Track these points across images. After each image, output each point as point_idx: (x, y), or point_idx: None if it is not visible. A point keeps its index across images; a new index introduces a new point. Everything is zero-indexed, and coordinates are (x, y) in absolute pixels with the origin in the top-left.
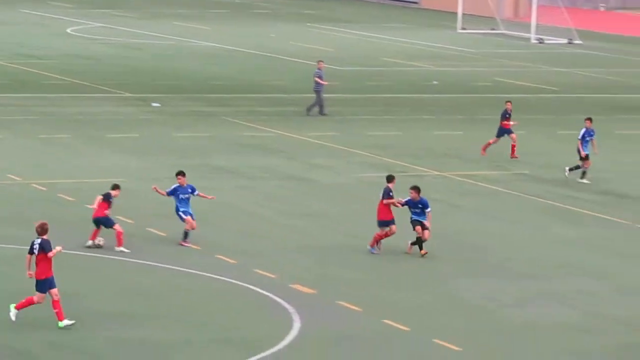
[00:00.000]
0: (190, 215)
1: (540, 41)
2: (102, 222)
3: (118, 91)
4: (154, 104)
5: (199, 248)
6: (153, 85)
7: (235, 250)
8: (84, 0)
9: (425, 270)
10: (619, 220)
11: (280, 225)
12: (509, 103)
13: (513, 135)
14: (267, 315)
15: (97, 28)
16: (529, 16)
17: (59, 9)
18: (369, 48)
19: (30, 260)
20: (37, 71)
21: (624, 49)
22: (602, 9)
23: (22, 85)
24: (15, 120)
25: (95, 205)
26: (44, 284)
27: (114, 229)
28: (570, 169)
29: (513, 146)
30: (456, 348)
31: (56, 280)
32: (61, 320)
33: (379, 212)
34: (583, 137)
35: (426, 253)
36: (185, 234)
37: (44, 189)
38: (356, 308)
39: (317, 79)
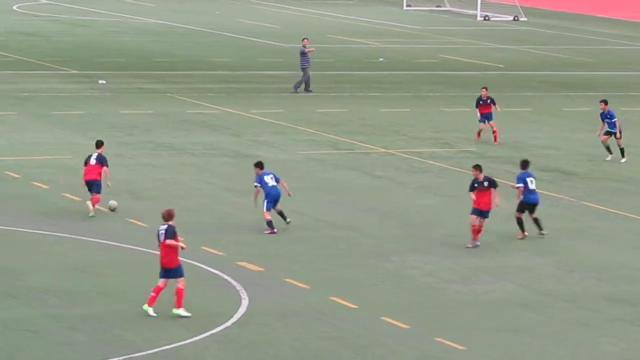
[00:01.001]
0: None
1: (486, 18)
2: (96, 185)
3: (63, 68)
4: (100, 81)
5: (145, 225)
6: (99, 62)
7: (182, 228)
8: None
9: (371, 248)
10: (564, 197)
11: (226, 203)
12: (484, 89)
13: (492, 122)
14: (215, 293)
15: (43, 5)
16: None
17: None
18: (315, 25)
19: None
20: None
21: (569, 25)
22: None
23: None
24: None
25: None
26: (178, 271)
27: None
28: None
29: (494, 132)
30: (403, 325)
31: None
32: (178, 308)
33: (479, 202)
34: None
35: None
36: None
37: None
38: (304, 285)
39: (307, 50)
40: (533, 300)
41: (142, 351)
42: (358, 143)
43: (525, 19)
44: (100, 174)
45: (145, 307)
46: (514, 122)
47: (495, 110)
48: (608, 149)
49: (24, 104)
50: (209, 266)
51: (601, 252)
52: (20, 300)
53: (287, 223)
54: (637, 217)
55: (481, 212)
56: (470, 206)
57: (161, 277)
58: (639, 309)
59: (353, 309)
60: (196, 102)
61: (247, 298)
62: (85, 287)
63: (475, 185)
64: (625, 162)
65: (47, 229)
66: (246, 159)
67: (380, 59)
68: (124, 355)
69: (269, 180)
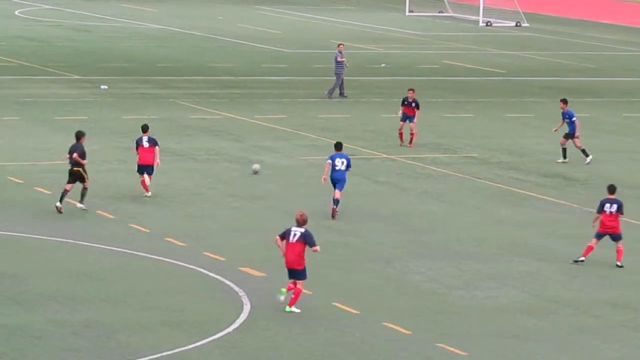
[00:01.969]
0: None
1: (488, 24)
2: (150, 167)
3: (66, 73)
4: (102, 87)
5: (147, 231)
6: (101, 68)
7: (185, 233)
8: None
9: (374, 253)
10: (566, 203)
11: (229, 208)
12: (410, 91)
13: (412, 124)
14: (217, 298)
15: (45, 10)
16: None
17: None
18: (317, 30)
19: (279, 242)
20: None
21: (571, 31)
22: None
23: None
24: None
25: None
26: (302, 273)
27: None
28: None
29: (412, 135)
30: (405, 331)
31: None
32: (290, 306)
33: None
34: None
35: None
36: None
37: None
38: (306, 290)
39: (339, 59)
40: (536, 306)
41: (145, 356)
42: (360, 148)
43: (528, 24)
44: (154, 156)
45: (287, 308)
46: (517, 127)
47: (417, 114)
48: (564, 151)
49: (27, 109)
50: (211, 271)
51: (605, 258)
52: (23, 306)
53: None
54: (639, 222)
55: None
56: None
57: (289, 277)
58: None
59: (355, 314)
60: (199, 107)
61: (249, 303)
62: (88, 293)
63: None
64: (590, 161)
65: (50, 234)
66: (249, 165)
67: (383, 65)
68: None
69: (338, 163)
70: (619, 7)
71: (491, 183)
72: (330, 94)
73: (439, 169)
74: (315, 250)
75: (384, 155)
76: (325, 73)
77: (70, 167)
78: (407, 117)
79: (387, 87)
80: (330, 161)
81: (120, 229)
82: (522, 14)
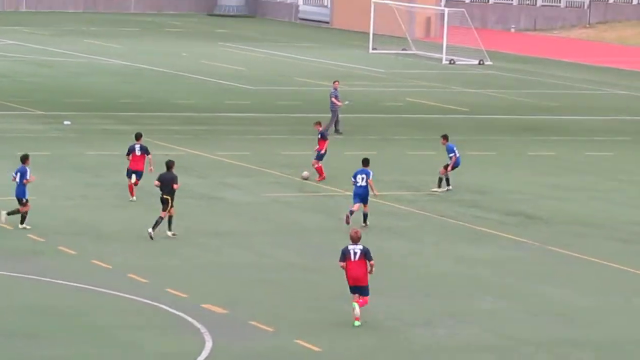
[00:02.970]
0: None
1: (452, 62)
2: (139, 173)
3: (29, 109)
4: (66, 122)
5: (109, 267)
6: (64, 103)
7: (147, 270)
8: None
9: (337, 291)
10: (528, 242)
11: (192, 244)
12: (317, 125)
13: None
14: (179, 335)
15: (8, 45)
16: (441, 37)
17: None
18: (281, 67)
19: (343, 265)
20: None
21: (534, 69)
22: (512, 30)
23: None
24: None
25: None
26: (368, 289)
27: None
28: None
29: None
30: None
31: None
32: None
33: None
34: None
35: None
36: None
37: None
38: (268, 328)
39: (333, 99)
40: (497, 344)
41: None
42: (323, 186)
43: (491, 62)
44: (144, 163)
45: (356, 322)
46: (480, 166)
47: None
48: (440, 181)
49: None
50: (173, 308)
51: (566, 297)
52: None
53: (363, 226)
54: (601, 261)
55: None
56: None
57: (353, 292)
58: (603, 354)
59: (318, 352)
60: (162, 143)
61: (211, 340)
62: (49, 329)
63: None
64: (442, 192)
65: (11, 270)
66: (212, 201)
67: (347, 102)
68: None
69: (359, 179)
70: (581, 45)
71: (453, 221)
72: (326, 131)
73: (402, 207)
74: (371, 265)
75: (347, 193)
76: (289, 110)
77: (161, 195)
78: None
79: (351, 125)
80: (353, 179)
81: (82, 265)
82: (485, 53)
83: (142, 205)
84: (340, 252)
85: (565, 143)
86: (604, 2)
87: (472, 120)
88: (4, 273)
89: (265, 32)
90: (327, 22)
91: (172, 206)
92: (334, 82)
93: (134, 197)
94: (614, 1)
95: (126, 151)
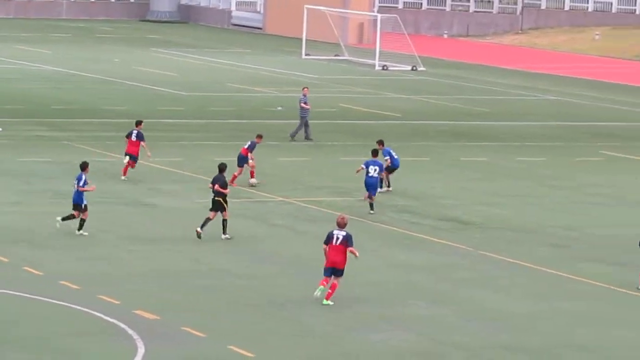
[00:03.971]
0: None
1: (385, 68)
2: (133, 158)
3: None
4: None
5: (41, 274)
6: None
7: (79, 276)
8: None
9: (270, 296)
10: (461, 247)
11: (124, 251)
12: (258, 138)
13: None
14: (111, 342)
15: None
16: (374, 43)
17: None
18: (214, 73)
19: (325, 248)
20: None
21: (467, 75)
22: (445, 36)
23: None
24: None
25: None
26: (342, 272)
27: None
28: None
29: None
30: None
31: None
32: (327, 299)
33: None
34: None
35: None
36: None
37: None
38: (200, 334)
39: (302, 104)
40: (431, 350)
41: None
42: (256, 192)
43: (424, 68)
44: (139, 148)
45: (325, 302)
46: (413, 171)
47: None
48: (381, 181)
49: None
50: (105, 315)
51: (499, 302)
52: None
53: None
54: (532, 266)
55: None
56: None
57: (326, 275)
58: (536, 358)
59: (250, 358)
60: (95, 150)
61: (143, 347)
62: None
63: None
64: (385, 191)
65: None
66: (145, 208)
67: (279, 108)
68: None
69: (371, 170)
70: (514, 51)
71: (387, 226)
72: (292, 136)
73: (336, 213)
74: (352, 252)
75: (280, 198)
76: (222, 116)
77: (213, 197)
78: (243, 160)
79: (284, 130)
80: (364, 167)
81: (14, 273)
82: (418, 58)
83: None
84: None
85: (497, 149)
86: (536, 8)
87: (405, 126)
88: None
89: (198, 37)
90: (260, 28)
91: (225, 209)
92: (303, 89)
93: (125, 177)
94: (546, 7)
95: (125, 134)
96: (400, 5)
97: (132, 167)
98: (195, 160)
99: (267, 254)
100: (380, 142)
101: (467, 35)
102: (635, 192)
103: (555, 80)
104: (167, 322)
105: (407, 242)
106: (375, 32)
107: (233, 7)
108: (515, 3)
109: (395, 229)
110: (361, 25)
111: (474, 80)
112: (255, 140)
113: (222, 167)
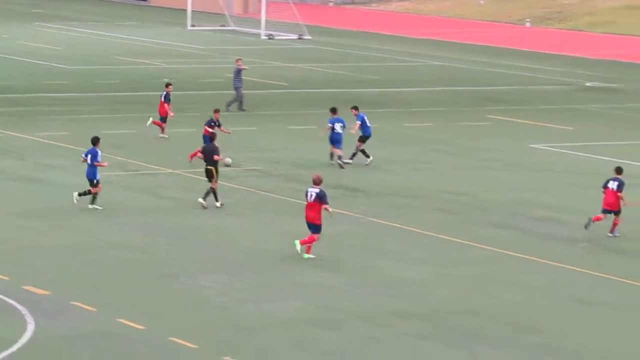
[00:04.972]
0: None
1: (270, 37)
2: (162, 119)
3: None
4: None
5: None
6: None
7: None
8: None
9: (161, 269)
10: (350, 214)
11: (12, 226)
12: (216, 113)
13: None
14: (0, 318)
15: None
16: (259, 12)
17: None
18: (99, 46)
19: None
20: None
21: (354, 43)
22: (331, 4)
23: None
24: None
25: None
26: (319, 227)
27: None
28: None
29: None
30: (192, 345)
31: None
32: (307, 253)
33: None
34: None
35: None
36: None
37: None
38: (90, 308)
39: (241, 67)
40: (325, 318)
41: None
42: (144, 164)
43: (310, 37)
44: (165, 109)
45: (305, 256)
46: (300, 140)
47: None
48: (354, 155)
49: None
50: None
51: (389, 268)
52: None
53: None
54: (422, 231)
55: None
56: None
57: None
58: (427, 324)
59: (141, 330)
60: None
61: (32, 322)
62: None
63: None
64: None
65: None
66: (32, 183)
67: (165, 80)
68: None
69: (337, 127)
70: (400, 18)
71: (276, 195)
72: (228, 107)
73: (224, 183)
74: (326, 209)
75: (169, 170)
76: (109, 89)
77: (205, 166)
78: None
79: (173, 103)
80: (330, 125)
81: None
82: (304, 27)
83: None
84: None
85: (385, 115)
86: None
87: (292, 94)
88: None
89: (82, 11)
90: (145, 0)
91: (216, 178)
92: (237, 60)
93: (164, 135)
94: None
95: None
96: None
97: (161, 127)
98: (81, 134)
99: (158, 227)
100: (355, 108)
101: (353, 3)
102: (522, 156)
103: (441, 46)
104: (57, 297)
105: (295, 211)
106: (260, 1)
107: None
108: None
109: (283, 197)
110: None
111: (361, 48)
112: (214, 116)
113: (212, 137)
